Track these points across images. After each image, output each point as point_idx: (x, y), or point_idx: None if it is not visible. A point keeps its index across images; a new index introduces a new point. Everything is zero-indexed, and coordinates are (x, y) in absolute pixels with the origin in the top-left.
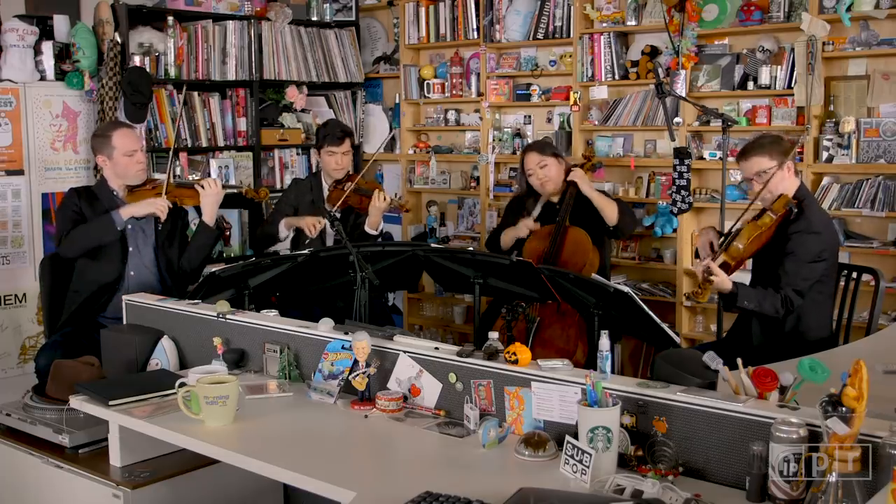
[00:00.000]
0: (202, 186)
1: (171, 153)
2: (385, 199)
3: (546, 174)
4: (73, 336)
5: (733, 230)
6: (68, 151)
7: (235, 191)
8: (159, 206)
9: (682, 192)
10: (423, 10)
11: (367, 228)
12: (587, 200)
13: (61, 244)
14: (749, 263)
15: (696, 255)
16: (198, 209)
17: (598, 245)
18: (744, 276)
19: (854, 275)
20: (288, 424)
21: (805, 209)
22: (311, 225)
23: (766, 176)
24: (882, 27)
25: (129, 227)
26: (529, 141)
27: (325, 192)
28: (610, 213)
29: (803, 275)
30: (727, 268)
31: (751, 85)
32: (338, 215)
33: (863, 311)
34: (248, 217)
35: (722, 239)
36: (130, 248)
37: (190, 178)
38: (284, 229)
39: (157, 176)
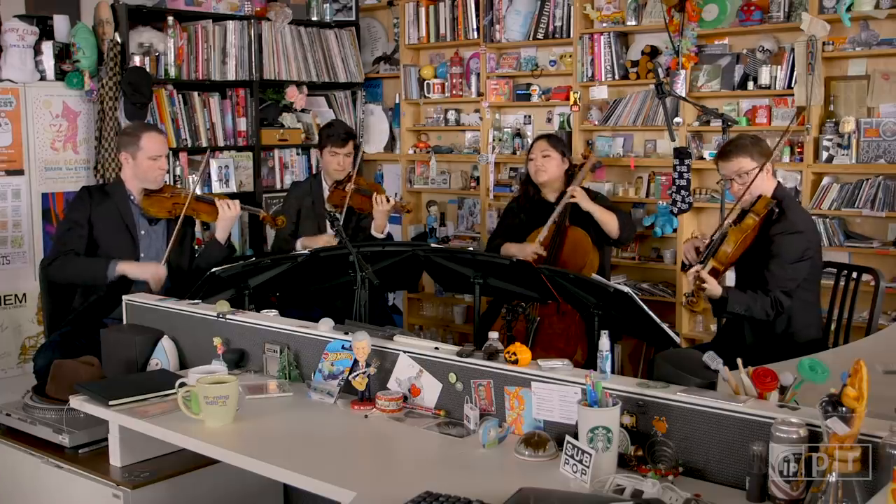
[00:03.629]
0: (224, 207)
1: (202, 166)
2: (387, 201)
3: (544, 164)
4: (71, 336)
5: (716, 236)
6: (68, 151)
7: (254, 213)
8: (157, 278)
9: (682, 192)
10: (423, 10)
11: (373, 232)
12: None
13: (51, 266)
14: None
15: (683, 267)
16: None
17: (598, 246)
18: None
19: (854, 275)
20: (288, 424)
21: (786, 209)
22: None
23: (746, 178)
24: (882, 27)
25: (143, 232)
26: (529, 141)
27: (326, 193)
28: (611, 226)
29: (789, 275)
30: (716, 273)
31: (751, 85)
32: (339, 216)
33: (863, 311)
34: (248, 217)
35: (707, 245)
36: (142, 255)
37: (192, 177)
38: (301, 249)
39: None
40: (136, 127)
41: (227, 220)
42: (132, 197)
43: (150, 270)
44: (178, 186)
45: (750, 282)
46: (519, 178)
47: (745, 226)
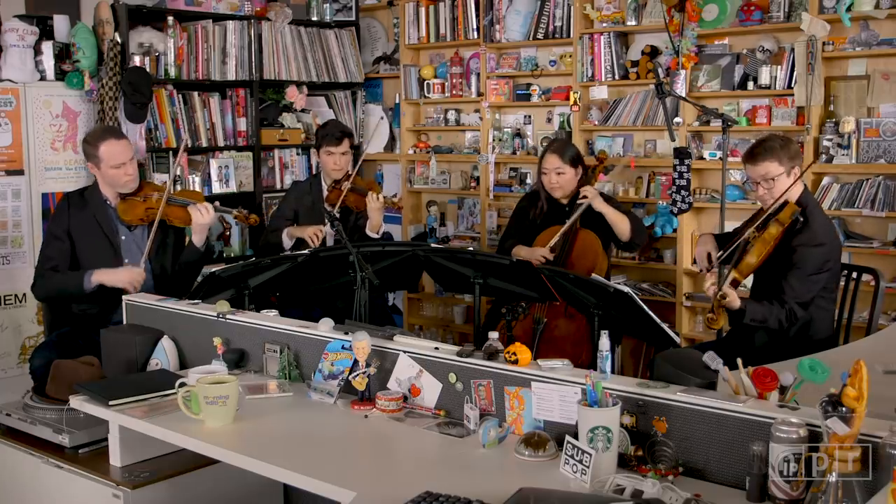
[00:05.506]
0: (197, 213)
1: (173, 165)
2: (380, 198)
3: (559, 181)
4: (69, 336)
5: (739, 242)
6: (68, 151)
7: (227, 215)
8: (134, 282)
9: (682, 192)
10: (423, 10)
11: (368, 231)
12: None
13: (34, 287)
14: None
15: (694, 261)
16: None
17: (605, 247)
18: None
19: (854, 275)
20: (288, 424)
21: (809, 219)
22: (313, 234)
23: (773, 183)
24: (882, 27)
25: (123, 237)
26: (529, 141)
27: (325, 193)
28: (623, 229)
29: (808, 288)
30: (736, 284)
31: (751, 85)
32: (338, 215)
33: (863, 311)
34: None
35: (721, 252)
36: (126, 261)
37: (176, 177)
38: (287, 239)
39: (155, 178)
40: (94, 136)
41: (201, 226)
42: (108, 201)
43: (124, 277)
44: (156, 188)
45: (767, 288)
46: (529, 189)
47: (769, 236)
